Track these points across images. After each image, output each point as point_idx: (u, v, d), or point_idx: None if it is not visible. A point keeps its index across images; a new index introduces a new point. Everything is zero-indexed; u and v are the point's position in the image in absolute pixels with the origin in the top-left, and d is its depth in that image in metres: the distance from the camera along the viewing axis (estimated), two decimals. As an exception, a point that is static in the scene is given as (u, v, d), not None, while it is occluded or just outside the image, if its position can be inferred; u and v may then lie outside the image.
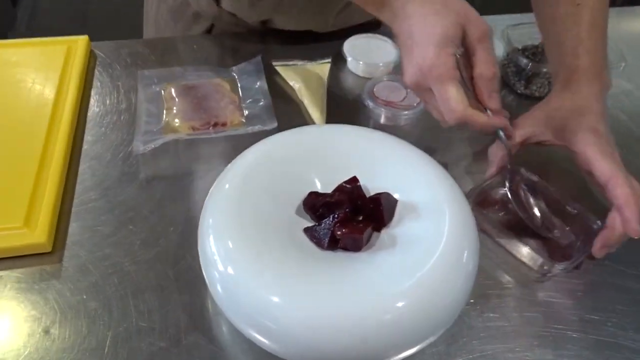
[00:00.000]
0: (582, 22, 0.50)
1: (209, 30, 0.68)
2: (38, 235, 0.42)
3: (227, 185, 0.41)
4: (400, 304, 0.34)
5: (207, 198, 0.40)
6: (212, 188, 0.41)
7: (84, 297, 0.40)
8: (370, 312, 0.33)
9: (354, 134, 0.44)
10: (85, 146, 0.52)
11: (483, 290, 0.43)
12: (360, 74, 0.63)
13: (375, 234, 0.39)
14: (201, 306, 0.40)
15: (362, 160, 0.43)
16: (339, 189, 0.40)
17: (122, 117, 0.56)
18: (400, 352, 0.34)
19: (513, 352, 0.39)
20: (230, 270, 0.35)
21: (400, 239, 0.38)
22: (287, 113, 0.57)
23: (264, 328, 0.34)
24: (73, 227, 0.45)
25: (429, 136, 0.56)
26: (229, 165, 0.42)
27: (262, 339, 0.35)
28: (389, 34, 0.65)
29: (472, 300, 0.42)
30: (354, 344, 0.33)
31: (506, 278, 0.44)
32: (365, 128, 0.45)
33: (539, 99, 0.61)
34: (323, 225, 0.38)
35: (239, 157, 0.43)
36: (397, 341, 0.34)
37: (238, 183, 0.40)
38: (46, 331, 0.38)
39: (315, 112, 0.56)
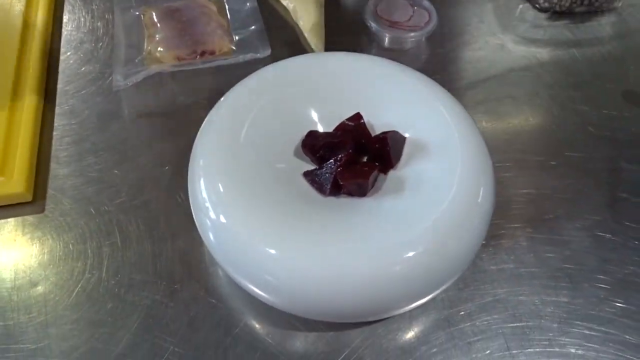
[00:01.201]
0: None
1: None
2: (16, 183, 0.39)
3: (218, 123, 0.37)
4: (410, 254, 0.31)
5: (197, 137, 0.37)
6: (202, 126, 0.37)
7: (71, 248, 0.38)
8: (378, 264, 0.31)
9: (357, 63, 0.40)
10: (60, 82, 0.47)
11: (496, 229, 0.40)
12: (362, -11, 0.56)
13: (381, 176, 0.36)
14: (197, 255, 0.38)
15: (366, 93, 0.38)
16: (342, 127, 0.36)
17: (99, 45, 0.50)
18: (409, 305, 0.32)
19: (527, 295, 0.37)
20: (222, 218, 0.32)
21: (410, 181, 0.35)
22: (281, 38, 0.51)
23: (262, 281, 0.32)
24: (54, 173, 0.41)
25: (437, 61, 0.51)
26: (220, 100, 0.38)
27: (260, 292, 0.32)
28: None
29: (483, 242, 0.39)
30: (359, 298, 0.31)
31: (521, 214, 0.41)
32: (369, 56, 0.40)
33: (560, 12, 0.56)
34: (325, 168, 0.34)
35: (230, 91, 0.39)
36: (407, 294, 0.31)
37: (230, 121, 0.36)
38: (34, 285, 0.36)
39: (312, 36, 0.51)
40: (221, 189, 0.33)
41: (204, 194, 0.33)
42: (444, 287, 0.33)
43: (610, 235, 0.40)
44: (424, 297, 0.32)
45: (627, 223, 0.41)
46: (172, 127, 0.45)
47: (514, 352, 0.34)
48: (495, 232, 0.40)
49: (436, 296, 0.36)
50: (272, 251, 0.31)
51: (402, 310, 0.33)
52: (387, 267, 0.31)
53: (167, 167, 0.42)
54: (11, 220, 0.39)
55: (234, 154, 0.35)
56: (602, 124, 0.47)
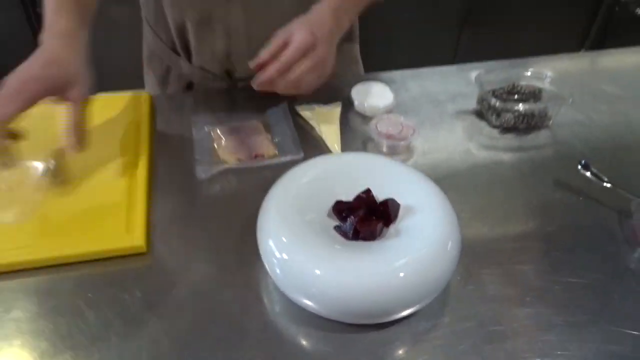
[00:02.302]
0: None
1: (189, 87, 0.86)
2: (137, 239, 0.57)
3: (274, 199, 0.56)
4: (401, 275, 0.48)
5: (260, 211, 0.55)
6: (263, 203, 0.56)
7: (176, 284, 0.55)
8: (382, 281, 0.48)
9: (365, 158, 0.60)
10: (159, 174, 0.67)
11: (467, 267, 0.57)
12: (366, 113, 0.79)
13: (385, 228, 0.54)
14: (260, 286, 0.55)
15: (373, 177, 0.58)
16: (358, 197, 0.56)
17: (183, 152, 0.71)
18: (404, 310, 0.49)
19: (491, 311, 0.53)
20: (285, 256, 0.50)
21: (403, 232, 0.53)
22: (310, 145, 0.73)
23: (310, 293, 0.49)
24: (158, 234, 0.60)
25: (420, 160, 0.72)
26: (274, 185, 0.58)
27: (309, 302, 0.49)
28: (387, 79, 0.82)
29: (458, 278, 0.56)
30: (371, 303, 0.48)
31: (484, 258, 0.58)
32: (373, 154, 0.61)
33: (507, 128, 0.78)
34: (348, 222, 0.53)
35: (279, 179, 0.58)
36: (401, 301, 0.49)
37: (284, 197, 0.56)
38: (152, 312, 0.53)
39: (332, 144, 0.72)
40: (284, 240, 0.51)
41: (272, 245, 0.51)
42: (426, 302, 0.50)
43: (548, 274, 0.58)
44: (413, 305, 0.49)
45: (559, 266, 0.58)
46: (238, 205, 0.64)
47: (479, 345, 0.50)
48: (466, 269, 0.57)
49: (424, 311, 0.52)
50: (318, 272, 0.49)
51: (399, 315, 0.50)
52: (388, 282, 0.48)
53: (236, 233, 0.61)
54: (134, 265, 0.56)
55: (287, 217, 0.53)
56: (540, 202, 0.67)
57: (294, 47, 0.64)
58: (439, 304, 0.54)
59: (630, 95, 0.86)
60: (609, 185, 0.65)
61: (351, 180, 0.58)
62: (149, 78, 0.92)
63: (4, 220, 0.59)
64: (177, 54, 0.84)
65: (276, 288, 0.53)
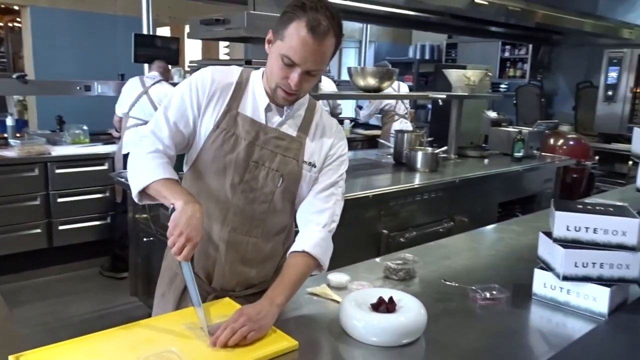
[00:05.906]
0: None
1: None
2: (292, 342, 1.16)
3: (346, 307, 1.25)
4: (402, 319, 1.23)
5: (341, 312, 1.24)
6: (341, 311, 1.25)
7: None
8: (396, 323, 1.23)
9: (370, 290, 1.36)
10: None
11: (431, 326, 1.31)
12: (337, 286, 1.52)
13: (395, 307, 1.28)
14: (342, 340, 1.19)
15: (378, 293, 1.32)
16: (379, 299, 1.29)
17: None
18: (405, 338, 1.23)
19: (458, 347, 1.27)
20: (363, 322, 1.20)
21: (402, 308, 1.28)
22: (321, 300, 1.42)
23: (373, 332, 1.20)
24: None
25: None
26: (343, 302, 1.27)
27: (372, 338, 1.19)
28: (341, 271, 1.59)
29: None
30: (394, 333, 1.22)
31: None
32: (374, 288, 1.37)
33: (400, 280, 1.61)
34: (382, 307, 1.25)
35: (345, 299, 1.28)
36: (404, 334, 1.23)
37: (350, 305, 1.26)
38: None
39: (335, 295, 1.43)
40: (357, 315, 1.21)
41: (355, 321, 1.20)
42: (416, 336, 1.24)
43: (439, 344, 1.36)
44: (410, 337, 1.23)
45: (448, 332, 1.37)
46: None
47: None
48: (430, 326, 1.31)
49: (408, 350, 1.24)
50: (376, 322, 1.20)
51: (404, 341, 1.22)
52: (399, 323, 1.23)
53: (324, 325, 1.24)
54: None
55: (356, 310, 1.23)
56: (430, 297, 1.47)
57: (229, 331, 1.16)
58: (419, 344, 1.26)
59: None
60: (457, 285, 1.52)
61: (368, 295, 1.31)
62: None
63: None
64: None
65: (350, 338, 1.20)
